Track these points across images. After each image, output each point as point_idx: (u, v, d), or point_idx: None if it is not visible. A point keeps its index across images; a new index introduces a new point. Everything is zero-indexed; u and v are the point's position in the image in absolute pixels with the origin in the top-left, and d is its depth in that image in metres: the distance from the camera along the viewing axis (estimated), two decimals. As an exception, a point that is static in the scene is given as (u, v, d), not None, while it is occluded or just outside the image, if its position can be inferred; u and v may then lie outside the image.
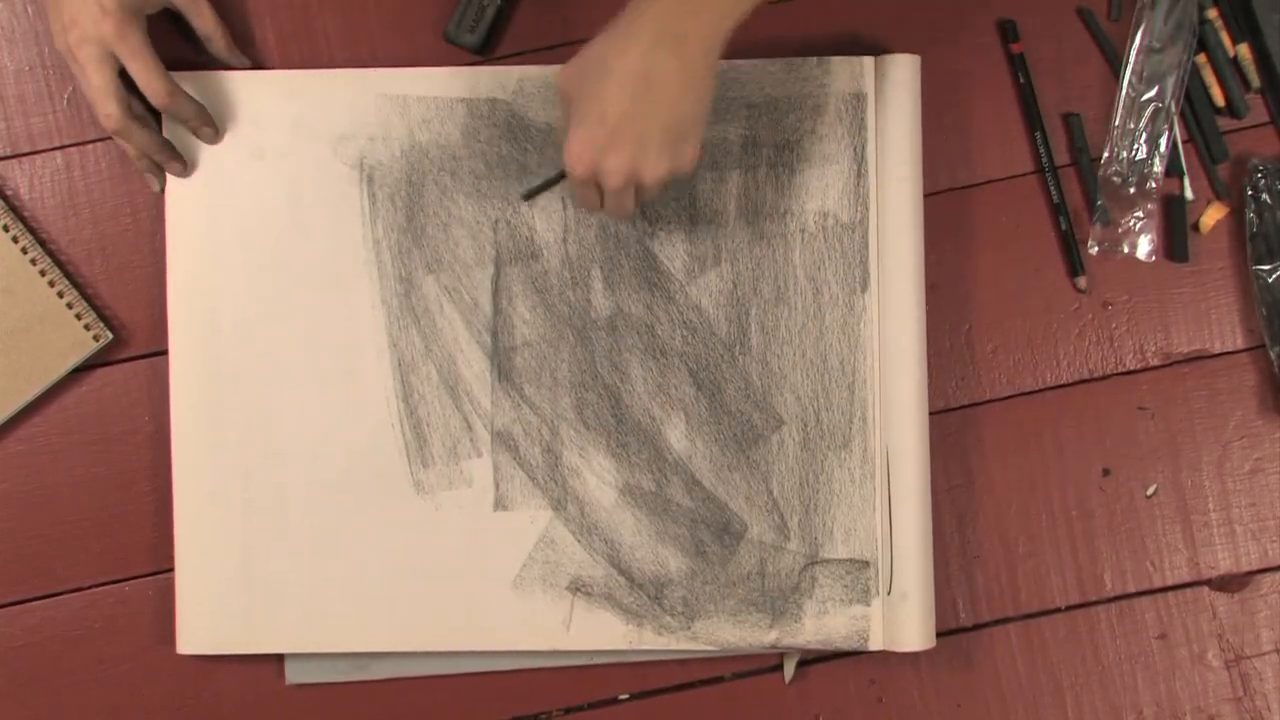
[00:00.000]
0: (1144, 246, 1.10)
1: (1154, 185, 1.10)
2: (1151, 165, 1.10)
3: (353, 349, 1.07)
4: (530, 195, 1.06)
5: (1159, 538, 1.11)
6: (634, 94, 0.91)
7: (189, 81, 1.06)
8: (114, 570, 1.10)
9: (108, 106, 1.02)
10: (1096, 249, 1.10)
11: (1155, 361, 1.11)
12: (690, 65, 0.92)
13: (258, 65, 1.09)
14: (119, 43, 1.01)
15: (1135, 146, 1.10)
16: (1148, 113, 1.09)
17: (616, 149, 0.93)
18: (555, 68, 1.06)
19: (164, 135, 1.07)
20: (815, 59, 1.07)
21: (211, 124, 1.06)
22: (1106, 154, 1.10)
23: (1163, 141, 1.10)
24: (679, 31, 0.91)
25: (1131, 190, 1.10)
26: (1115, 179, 1.10)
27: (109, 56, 1.01)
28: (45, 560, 1.10)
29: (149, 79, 1.02)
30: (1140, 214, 1.10)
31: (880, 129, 1.07)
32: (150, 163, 1.06)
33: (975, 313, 1.11)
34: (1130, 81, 1.10)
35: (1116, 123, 1.10)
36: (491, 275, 1.07)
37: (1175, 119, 1.10)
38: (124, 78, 1.03)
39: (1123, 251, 1.10)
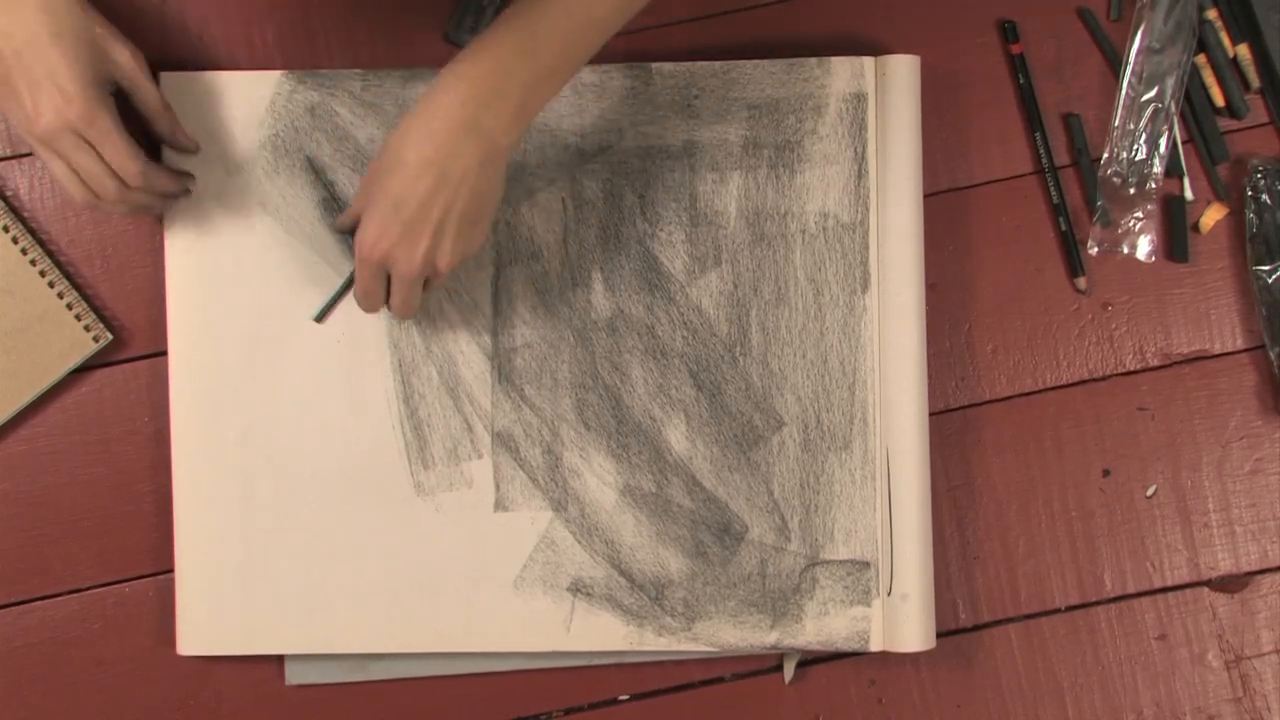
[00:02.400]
0: (1144, 247, 1.10)
1: (1154, 185, 1.10)
2: (1151, 165, 1.10)
3: (353, 350, 1.07)
4: (323, 315, 1.07)
5: (1159, 538, 1.11)
6: (430, 185, 0.92)
7: (189, 81, 1.06)
8: (114, 571, 1.10)
9: (106, 186, 0.97)
10: (1097, 249, 1.10)
11: (1155, 362, 1.11)
12: (486, 156, 0.92)
13: (254, 67, 1.09)
14: (89, 127, 0.95)
15: (1135, 147, 1.10)
16: (1148, 113, 1.09)
17: (411, 238, 0.93)
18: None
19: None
20: (815, 59, 1.07)
21: (186, 191, 1.05)
22: (1106, 154, 1.10)
23: (1163, 142, 1.10)
24: (476, 122, 0.91)
25: (1131, 190, 1.10)
26: (1115, 179, 1.10)
27: (84, 140, 0.96)
28: (45, 561, 1.10)
29: (122, 162, 0.97)
30: (1140, 214, 1.10)
31: (880, 129, 1.07)
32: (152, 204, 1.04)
33: (975, 313, 1.11)
34: (1130, 82, 1.10)
35: (1116, 123, 1.10)
36: (491, 276, 1.07)
37: (1175, 119, 1.10)
38: None
39: (1123, 252, 1.10)
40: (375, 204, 0.94)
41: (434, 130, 0.91)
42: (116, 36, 1.01)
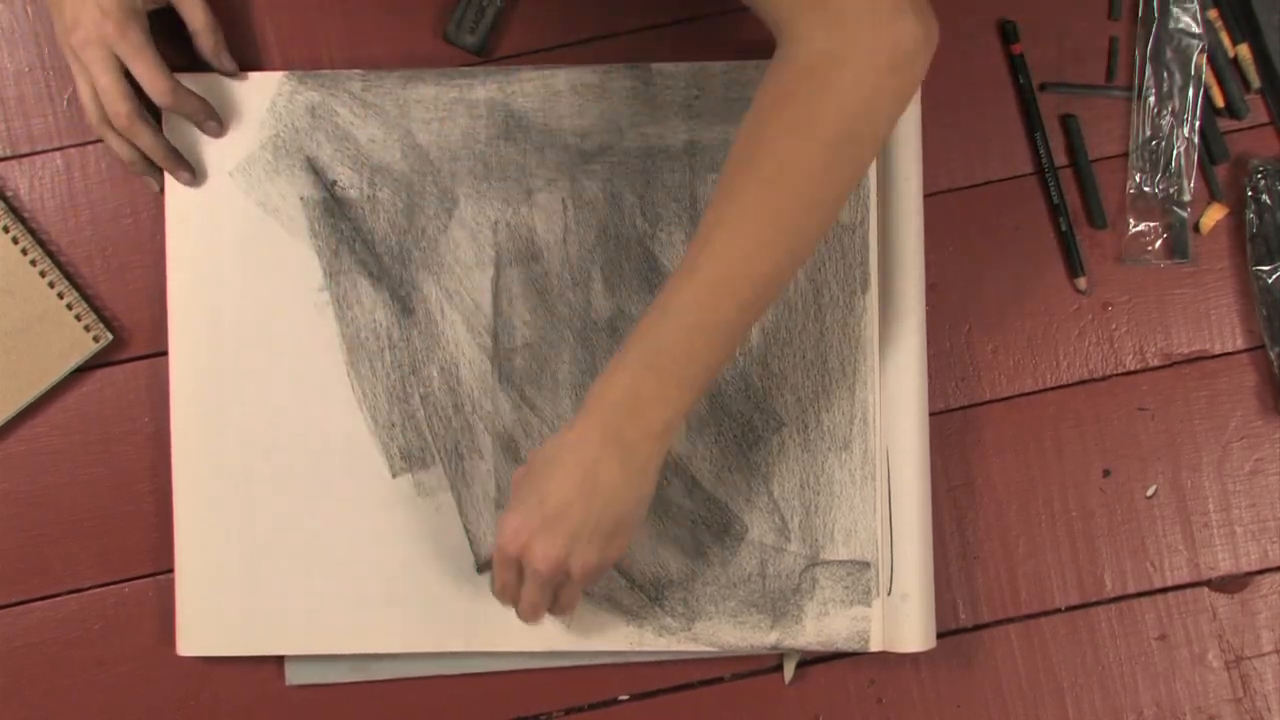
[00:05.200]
0: (1178, 253, 1.10)
1: (1186, 196, 1.10)
2: (1180, 175, 1.10)
3: (354, 351, 1.07)
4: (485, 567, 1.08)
5: (1159, 538, 1.11)
6: (576, 487, 0.92)
7: (192, 82, 1.06)
8: (114, 571, 1.10)
9: (118, 105, 1.02)
10: (1137, 262, 1.10)
11: (1155, 362, 1.12)
12: (633, 467, 0.92)
13: (254, 67, 1.09)
14: (120, 42, 1.01)
15: (1159, 158, 1.09)
16: (1165, 123, 1.09)
17: (550, 534, 0.93)
18: (551, 69, 1.07)
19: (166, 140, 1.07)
20: (816, 59, 1.07)
21: (216, 117, 1.06)
22: (1137, 175, 1.10)
23: (1184, 150, 1.10)
24: (620, 435, 0.92)
25: (1159, 196, 1.09)
26: (1144, 190, 1.10)
27: (114, 56, 1.02)
28: (45, 561, 1.10)
29: (152, 78, 1.02)
30: (1173, 222, 1.10)
31: (880, 129, 1.07)
32: (147, 164, 1.06)
33: (975, 313, 1.11)
34: (1146, 98, 1.10)
35: (1138, 143, 1.10)
36: (492, 277, 1.07)
37: (1195, 126, 1.10)
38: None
39: (1162, 262, 1.10)
40: (522, 497, 0.94)
41: (588, 437, 0.92)
42: None
